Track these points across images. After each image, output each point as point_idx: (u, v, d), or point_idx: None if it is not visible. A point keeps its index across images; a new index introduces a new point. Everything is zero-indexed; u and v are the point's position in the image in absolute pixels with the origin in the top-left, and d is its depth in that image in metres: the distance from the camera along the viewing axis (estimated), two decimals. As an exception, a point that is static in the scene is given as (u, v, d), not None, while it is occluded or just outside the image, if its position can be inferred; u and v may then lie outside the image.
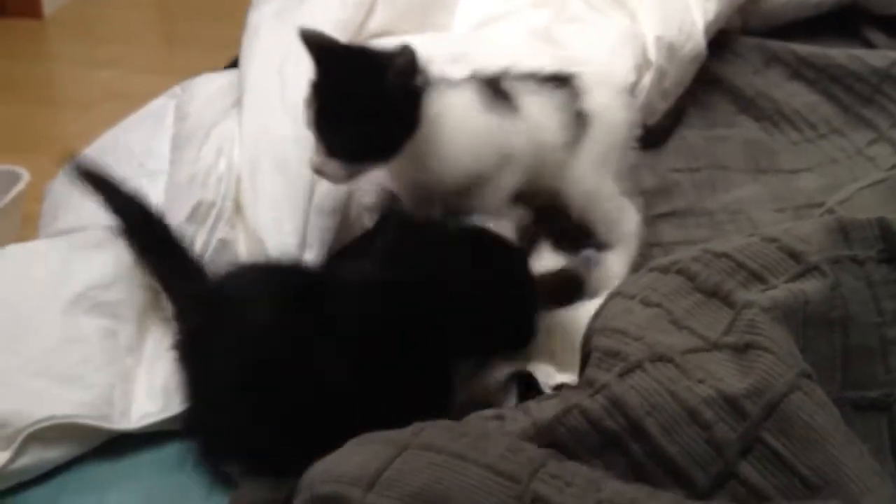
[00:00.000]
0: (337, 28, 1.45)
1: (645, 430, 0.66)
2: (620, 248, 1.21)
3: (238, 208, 1.23)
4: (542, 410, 0.75)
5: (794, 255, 0.73)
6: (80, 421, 0.98)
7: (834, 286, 0.71)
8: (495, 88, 1.18)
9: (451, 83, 1.15)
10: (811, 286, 0.70)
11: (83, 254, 1.13)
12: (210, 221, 1.17)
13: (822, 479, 0.62)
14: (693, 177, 1.47)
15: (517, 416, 0.77)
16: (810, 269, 0.72)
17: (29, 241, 1.28)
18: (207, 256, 1.15)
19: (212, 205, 1.19)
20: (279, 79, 1.32)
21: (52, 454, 0.99)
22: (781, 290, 0.70)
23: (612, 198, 1.22)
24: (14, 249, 1.19)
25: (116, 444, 1.02)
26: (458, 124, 1.12)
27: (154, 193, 1.28)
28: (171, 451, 1.02)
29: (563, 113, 1.18)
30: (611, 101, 1.23)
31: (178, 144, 1.31)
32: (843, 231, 0.74)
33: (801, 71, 1.65)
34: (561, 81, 1.21)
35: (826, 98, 1.60)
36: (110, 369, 1.03)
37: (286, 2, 1.53)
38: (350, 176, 1.05)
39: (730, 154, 1.53)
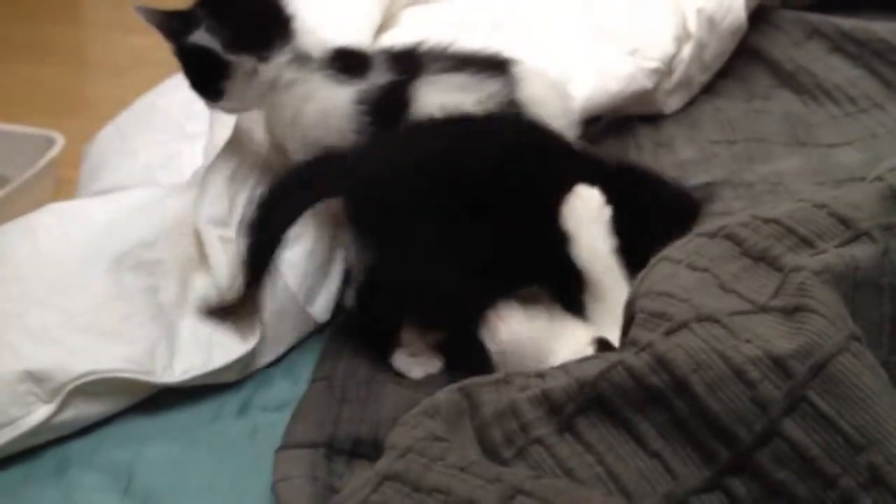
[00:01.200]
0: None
1: (690, 388, 0.66)
2: None
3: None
4: (583, 370, 0.75)
5: (845, 221, 0.72)
6: (124, 375, 0.99)
7: (885, 252, 0.71)
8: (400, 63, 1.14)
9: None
10: (862, 251, 0.70)
11: (126, 212, 1.14)
12: (251, 181, 1.17)
13: (866, 438, 0.62)
14: (731, 149, 1.47)
15: (558, 375, 0.78)
16: (860, 235, 0.71)
17: (71, 201, 1.29)
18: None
19: (253, 165, 1.19)
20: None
21: (95, 409, 1.00)
22: (832, 255, 0.70)
23: None
24: (57, 207, 1.20)
25: (155, 398, 1.04)
26: (303, 95, 1.11)
27: (193, 156, 1.29)
28: (209, 405, 1.05)
29: (491, 101, 1.13)
30: (546, 92, 1.18)
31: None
32: (895, 197, 0.74)
33: (842, 45, 1.63)
34: (495, 67, 1.16)
35: (868, 72, 1.58)
36: (153, 325, 1.04)
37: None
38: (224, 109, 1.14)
39: (768, 127, 1.52)
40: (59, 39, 2.62)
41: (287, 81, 1.10)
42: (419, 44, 1.16)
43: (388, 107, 1.10)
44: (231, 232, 1.11)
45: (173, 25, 1.06)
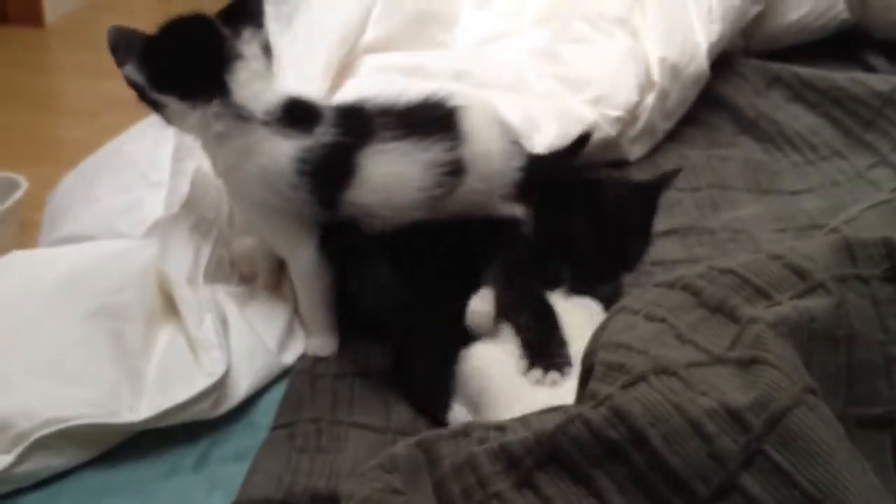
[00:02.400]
0: (335, 43, 1.46)
1: (647, 441, 0.66)
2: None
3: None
4: (543, 422, 0.74)
5: (800, 273, 0.73)
6: (88, 421, 0.97)
7: (839, 304, 0.71)
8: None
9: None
10: (817, 304, 0.71)
11: (90, 262, 1.13)
12: (213, 236, 1.17)
13: (823, 493, 0.61)
14: (695, 195, 1.48)
15: (517, 428, 0.77)
16: (816, 287, 0.72)
17: (35, 248, 1.28)
18: (210, 271, 1.15)
19: (215, 217, 1.18)
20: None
21: (54, 461, 0.98)
22: (787, 307, 0.70)
23: None
24: (20, 255, 1.19)
25: (112, 452, 1.02)
26: (241, 149, 1.06)
27: (155, 205, 1.28)
28: (166, 459, 1.02)
29: (437, 169, 1.07)
30: (492, 141, 1.11)
31: (180, 156, 1.31)
32: (849, 250, 0.75)
33: (802, 93, 1.66)
34: (442, 124, 1.09)
35: (828, 121, 1.61)
36: (117, 368, 1.03)
37: (281, 14, 1.54)
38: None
39: (731, 174, 1.54)
40: (28, 84, 2.62)
41: (217, 134, 1.06)
42: (368, 100, 1.11)
43: (331, 169, 1.06)
44: (198, 281, 1.11)
45: (119, 52, 1.05)
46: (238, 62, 1.05)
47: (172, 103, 1.06)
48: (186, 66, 1.05)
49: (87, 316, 1.06)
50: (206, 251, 1.15)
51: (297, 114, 1.07)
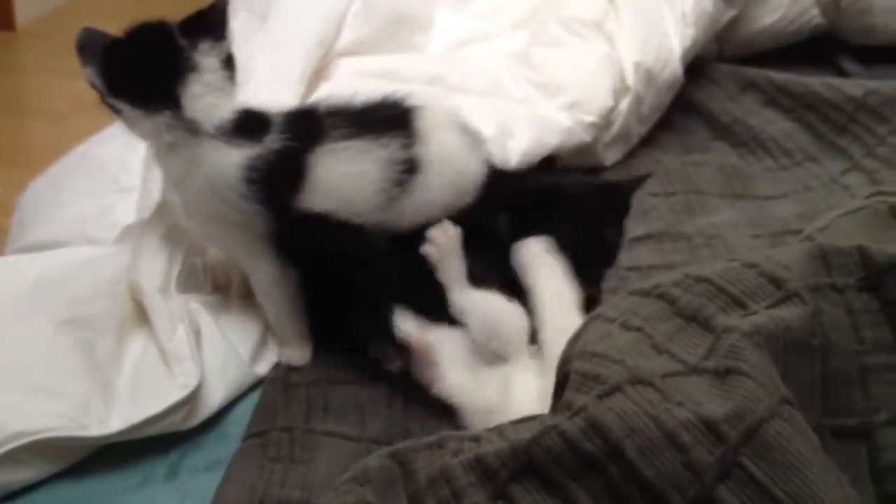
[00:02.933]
0: (312, 46, 1.45)
1: (623, 453, 0.65)
2: None
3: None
4: (519, 432, 0.74)
5: (775, 281, 0.73)
6: (56, 434, 0.96)
7: (814, 313, 0.71)
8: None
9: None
10: (792, 313, 0.70)
11: (60, 269, 1.10)
12: (186, 243, 1.15)
13: (799, 505, 0.61)
14: (669, 201, 1.48)
15: (493, 438, 0.76)
16: (791, 296, 0.72)
17: (2, 254, 1.26)
18: (182, 280, 1.13)
19: (185, 229, 1.17)
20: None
21: (23, 475, 0.96)
22: (762, 316, 0.70)
23: None
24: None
25: (82, 463, 1.00)
26: (190, 160, 1.05)
27: (126, 210, 1.26)
28: (137, 470, 1.01)
29: (392, 166, 1.05)
30: (450, 143, 1.09)
31: (150, 161, 1.30)
32: (824, 258, 0.75)
33: (776, 98, 1.67)
34: (397, 123, 1.07)
35: (801, 126, 1.62)
36: (88, 380, 1.01)
37: (252, 21, 1.52)
38: None
39: (706, 179, 1.54)
40: (-4, 86, 2.58)
41: (167, 143, 1.05)
42: (319, 103, 1.10)
43: (280, 175, 1.04)
44: (171, 291, 1.09)
45: (85, 53, 1.04)
46: (192, 74, 1.03)
47: (126, 109, 1.05)
48: (139, 74, 1.04)
49: (57, 326, 1.04)
50: (178, 259, 1.14)
51: (247, 124, 1.05)
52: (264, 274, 1.10)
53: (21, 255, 1.24)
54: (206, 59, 1.04)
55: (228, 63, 1.07)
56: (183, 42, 1.04)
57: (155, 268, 1.10)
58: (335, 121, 1.06)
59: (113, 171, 1.35)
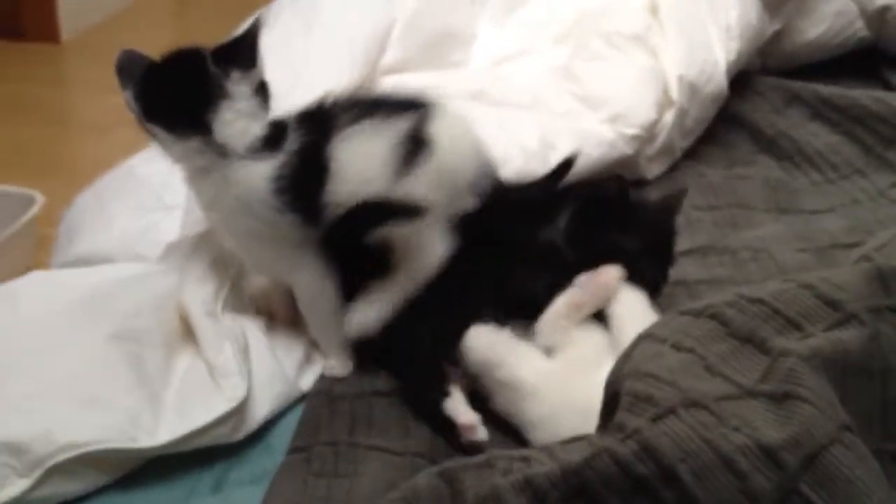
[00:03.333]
0: (359, 63, 1.45)
1: (677, 477, 0.65)
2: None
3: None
4: (569, 453, 0.73)
5: (832, 303, 0.72)
6: (105, 446, 0.97)
7: (873, 336, 0.70)
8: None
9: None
10: (850, 335, 0.69)
11: (110, 284, 1.12)
12: (233, 268, 1.16)
13: (860, 533, 0.60)
14: (714, 214, 1.47)
15: (542, 459, 0.76)
16: (849, 318, 0.70)
17: (54, 270, 1.27)
18: (229, 302, 1.15)
19: (233, 253, 1.17)
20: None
21: (72, 486, 0.97)
22: (820, 339, 0.69)
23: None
24: (41, 275, 1.19)
25: (130, 476, 1.01)
26: (221, 182, 1.07)
27: (170, 227, 1.28)
28: (183, 482, 1.01)
29: (403, 139, 1.05)
30: (456, 133, 1.10)
31: None
32: (882, 279, 0.73)
33: (822, 111, 1.65)
34: (407, 105, 1.08)
35: (848, 139, 1.60)
36: (137, 393, 1.02)
37: (295, 25, 1.53)
38: None
39: (750, 193, 1.53)
40: (41, 99, 2.62)
41: (198, 168, 1.07)
42: (325, 97, 1.10)
43: (305, 175, 1.04)
44: (217, 312, 1.11)
45: (124, 76, 1.07)
46: (223, 101, 1.05)
47: (159, 133, 1.07)
48: (172, 100, 1.06)
49: (106, 339, 1.05)
50: (225, 283, 1.15)
51: (272, 137, 1.06)
52: (306, 286, 1.11)
53: (72, 269, 1.26)
54: (238, 86, 1.06)
55: (261, 89, 1.09)
56: (215, 70, 1.05)
57: (202, 291, 1.11)
58: (346, 110, 1.07)
59: (157, 189, 1.36)
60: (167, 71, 1.06)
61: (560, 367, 1.02)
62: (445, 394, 1.04)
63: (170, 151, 1.08)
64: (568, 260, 1.12)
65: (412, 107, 1.07)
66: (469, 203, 1.10)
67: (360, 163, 1.04)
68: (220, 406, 1.02)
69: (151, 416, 1.01)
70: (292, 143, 1.05)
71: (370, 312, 1.10)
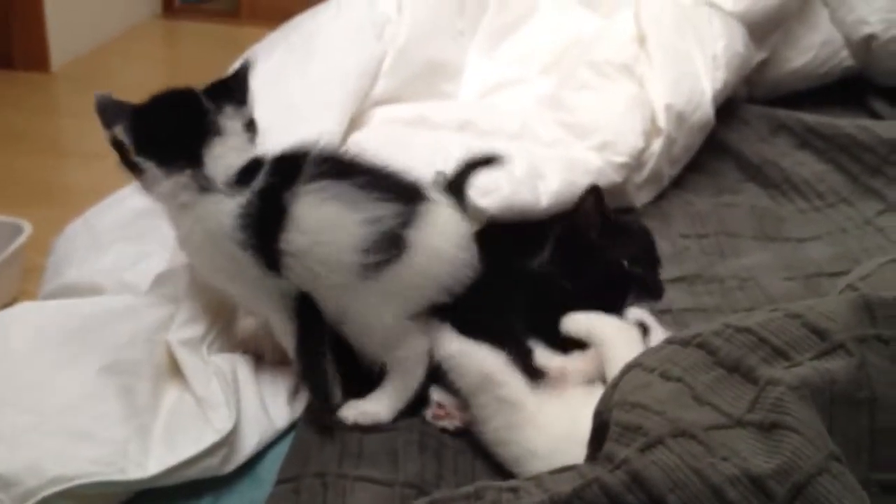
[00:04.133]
0: (352, 95, 1.46)
1: (666, 508, 0.64)
2: (395, 375, 1.10)
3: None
4: (558, 484, 0.73)
5: (819, 332, 0.72)
6: (94, 479, 0.96)
7: (860, 365, 0.70)
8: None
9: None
10: (837, 365, 0.69)
11: (102, 316, 1.12)
12: (219, 305, 1.16)
13: (849, 564, 0.60)
14: (701, 242, 1.48)
15: (531, 489, 0.76)
16: (836, 348, 0.71)
17: (43, 300, 1.27)
18: (218, 339, 1.15)
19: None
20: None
21: None
22: (807, 368, 0.69)
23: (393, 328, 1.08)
24: (31, 306, 1.18)
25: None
26: (195, 217, 1.07)
27: (161, 258, 1.27)
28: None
29: (376, 225, 1.03)
30: (444, 238, 1.06)
31: None
32: (869, 309, 0.74)
33: (808, 140, 1.66)
34: (399, 191, 1.05)
35: (834, 167, 1.61)
36: (126, 425, 1.02)
37: (288, 58, 1.53)
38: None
39: (737, 221, 1.54)
40: (31, 128, 2.62)
41: (181, 204, 1.07)
42: (313, 142, 1.09)
43: (264, 218, 1.04)
44: (204, 353, 1.11)
45: (107, 115, 1.08)
46: (216, 137, 1.07)
47: (151, 168, 1.07)
48: (167, 135, 1.08)
49: (96, 372, 1.05)
50: (214, 325, 1.15)
51: (245, 172, 1.07)
52: (279, 326, 1.11)
53: (61, 299, 1.25)
54: (231, 122, 1.08)
55: (250, 126, 1.11)
56: (209, 105, 1.08)
57: (190, 332, 1.11)
58: (319, 161, 1.06)
59: (149, 219, 1.36)
60: (161, 106, 1.09)
61: (559, 396, 1.02)
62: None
63: (156, 187, 1.08)
64: (560, 286, 1.15)
65: (404, 195, 1.05)
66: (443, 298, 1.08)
67: (316, 221, 1.03)
68: (208, 437, 1.02)
69: (140, 448, 1.01)
70: (258, 182, 1.06)
71: (379, 408, 1.10)
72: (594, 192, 1.22)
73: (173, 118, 1.08)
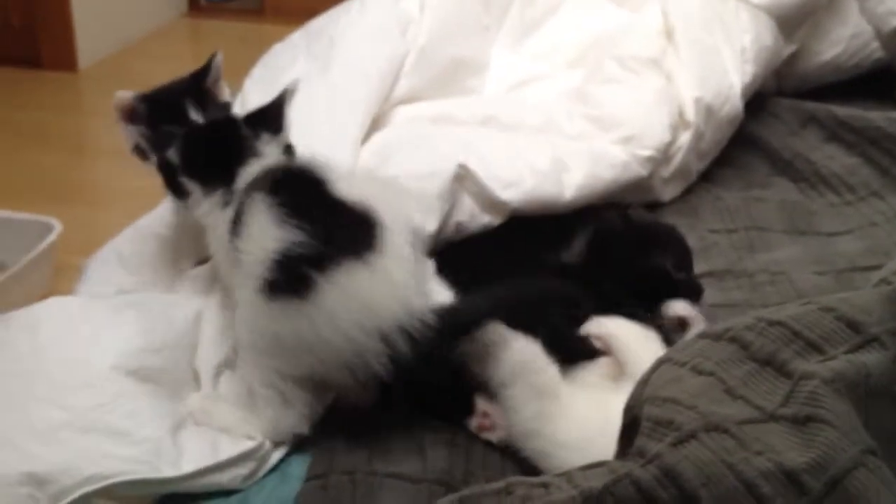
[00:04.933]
0: (374, 97, 1.46)
1: (699, 502, 0.64)
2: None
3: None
4: (589, 479, 0.72)
5: (853, 326, 0.71)
6: (130, 478, 0.97)
7: (895, 359, 0.69)
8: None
9: None
10: (872, 358, 0.69)
11: (131, 313, 1.14)
12: None
13: (885, 558, 0.59)
14: (731, 238, 1.46)
15: (562, 485, 0.75)
16: (870, 341, 0.70)
17: (76, 296, 1.27)
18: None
19: None
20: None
21: None
22: (842, 362, 0.68)
23: None
24: (60, 301, 1.19)
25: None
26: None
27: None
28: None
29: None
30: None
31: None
32: (903, 302, 0.73)
33: (838, 133, 1.64)
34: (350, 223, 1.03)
35: (864, 161, 1.59)
36: (159, 423, 1.03)
37: (311, 68, 1.53)
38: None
39: (767, 215, 1.52)
40: (59, 127, 2.64)
41: (212, 221, 1.13)
42: (302, 159, 1.14)
43: (236, 224, 1.07)
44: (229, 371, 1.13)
45: (159, 140, 1.16)
46: (253, 158, 1.12)
47: (195, 189, 1.14)
48: (211, 157, 1.14)
49: (128, 372, 1.06)
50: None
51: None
52: None
53: (88, 297, 1.26)
54: (268, 147, 1.14)
55: (287, 150, 1.16)
56: (247, 132, 1.14)
57: (214, 357, 1.14)
58: (273, 172, 1.09)
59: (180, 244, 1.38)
60: (206, 133, 1.18)
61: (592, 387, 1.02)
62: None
63: (198, 208, 1.14)
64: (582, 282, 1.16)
65: (334, 238, 1.00)
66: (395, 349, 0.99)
67: (248, 230, 1.05)
68: (242, 444, 1.03)
69: (173, 447, 1.02)
70: (242, 190, 1.10)
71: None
72: (617, 208, 1.27)
73: (215, 142, 1.16)
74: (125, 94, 1.19)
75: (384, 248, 1.01)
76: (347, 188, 1.06)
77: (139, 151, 1.20)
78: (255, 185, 1.08)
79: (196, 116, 1.19)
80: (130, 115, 1.19)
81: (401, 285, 1.01)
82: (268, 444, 1.05)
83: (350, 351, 0.99)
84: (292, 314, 0.99)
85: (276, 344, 1.02)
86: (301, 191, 1.07)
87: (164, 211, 1.35)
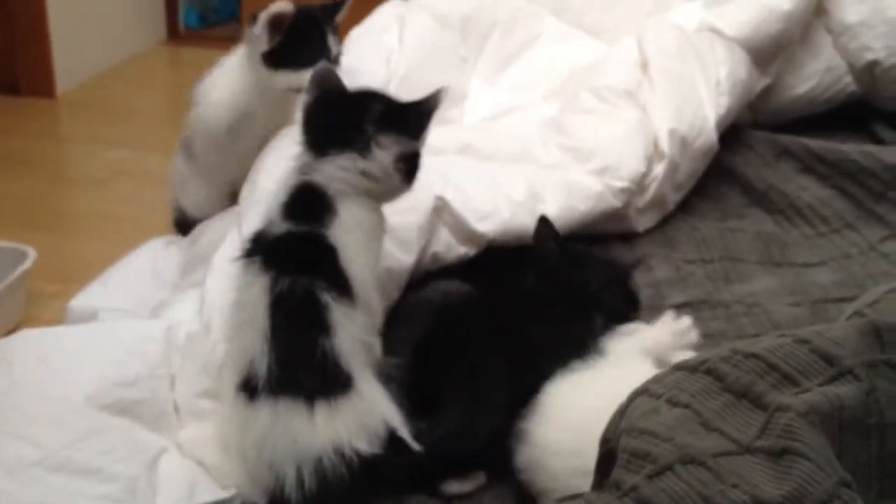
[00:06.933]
0: None
1: (675, 537, 0.64)
2: None
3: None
4: (565, 513, 0.72)
5: (828, 358, 0.71)
6: None
7: (869, 391, 0.69)
8: None
9: None
10: (846, 391, 0.69)
11: (104, 346, 1.12)
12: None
13: (862, 593, 0.59)
14: (706, 268, 1.47)
15: (539, 517, 0.75)
16: (845, 373, 0.70)
17: (50, 327, 1.25)
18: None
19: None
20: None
21: None
22: (816, 394, 0.68)
23: None
24: (33, 334, 1.16)
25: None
26: None
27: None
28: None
29: None
30: None
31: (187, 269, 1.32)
32: (878, 334, 0.73)
33: (812, 165, 1.66)
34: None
35: (838, 193, 1.61)
36: (133, 460, 1.01)
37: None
38: None
39: (742, 246, 1.53)
40: (36, 154, 2.63)
41: None
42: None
43: None
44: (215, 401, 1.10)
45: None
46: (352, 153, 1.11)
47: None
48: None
49: (100, 405, 1.04)
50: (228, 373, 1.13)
51: None
52: None
53: (64, 326, 1.24)
54: (380, 150, 1.08)
55: (400, 161, 1.09)
56: (368, 128, 1.07)
57: (199, 387, 1.12)
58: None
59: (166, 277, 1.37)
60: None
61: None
62: None
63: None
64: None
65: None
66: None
67: None
68: (219, 492, 1.02)
69: (148, 486, 0.99)
70: None
71: None
72: (544, 221, 1.26)
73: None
74: (287, 4, 1.28)
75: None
76: None
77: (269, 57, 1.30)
78: None
79: (333, 46, 1.29)
80: (278, 22, 1.27)
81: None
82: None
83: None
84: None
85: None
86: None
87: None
